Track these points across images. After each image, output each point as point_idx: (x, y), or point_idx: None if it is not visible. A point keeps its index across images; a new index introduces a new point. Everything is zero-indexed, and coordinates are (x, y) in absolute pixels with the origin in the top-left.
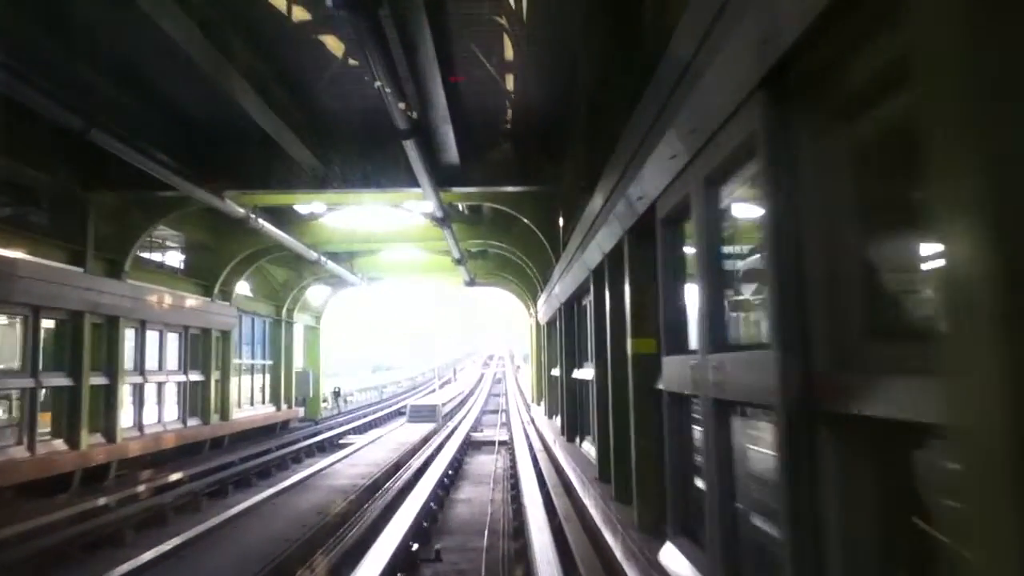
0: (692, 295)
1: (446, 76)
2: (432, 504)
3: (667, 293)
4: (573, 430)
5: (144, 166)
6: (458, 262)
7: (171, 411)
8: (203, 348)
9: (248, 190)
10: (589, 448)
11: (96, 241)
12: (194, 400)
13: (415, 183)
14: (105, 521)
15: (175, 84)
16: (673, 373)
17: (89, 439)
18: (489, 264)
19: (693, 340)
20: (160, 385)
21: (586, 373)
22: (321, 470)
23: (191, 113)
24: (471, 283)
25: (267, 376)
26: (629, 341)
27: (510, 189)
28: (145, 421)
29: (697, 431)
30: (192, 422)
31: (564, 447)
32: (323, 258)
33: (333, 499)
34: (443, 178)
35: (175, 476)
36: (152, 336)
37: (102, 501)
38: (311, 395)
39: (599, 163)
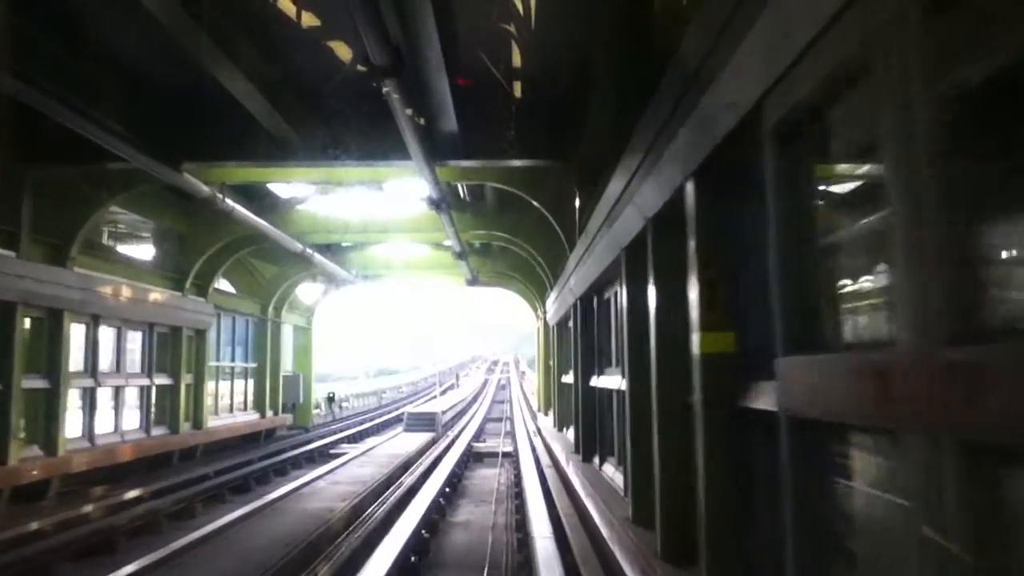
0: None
1: (441, 17)
2: (423, 532)
3: (783, 255)
4: (590, 448)
5: (86, 131)
6: (459, 256)
7: (132, 419)
8: (172, 348)
9: (211, 162)
10: (613, 473)
11: (34, 222)
12: (161, 407)
13: (405, 155)
14: (28, 553)
15: (127, 41)
16: (812, 383)
17: (21, 452)
18: (493, 261)
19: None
20: (118, 390)
21: (610, 381)
22: (299, 488)
23: (146, 75)
24: (473, 282)
25: (250, 380)
26: (696, 337)
27: (518, 164)
28: (98, 431)
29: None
30: (157, 431)
31: (579, 468)
32: (309, 250)
33: (305, 527)
34: (439, 149)
35: (132, 493)
36: (108, 333)
37: (34, 526)
38: (301, 401)
39: (631, 117)
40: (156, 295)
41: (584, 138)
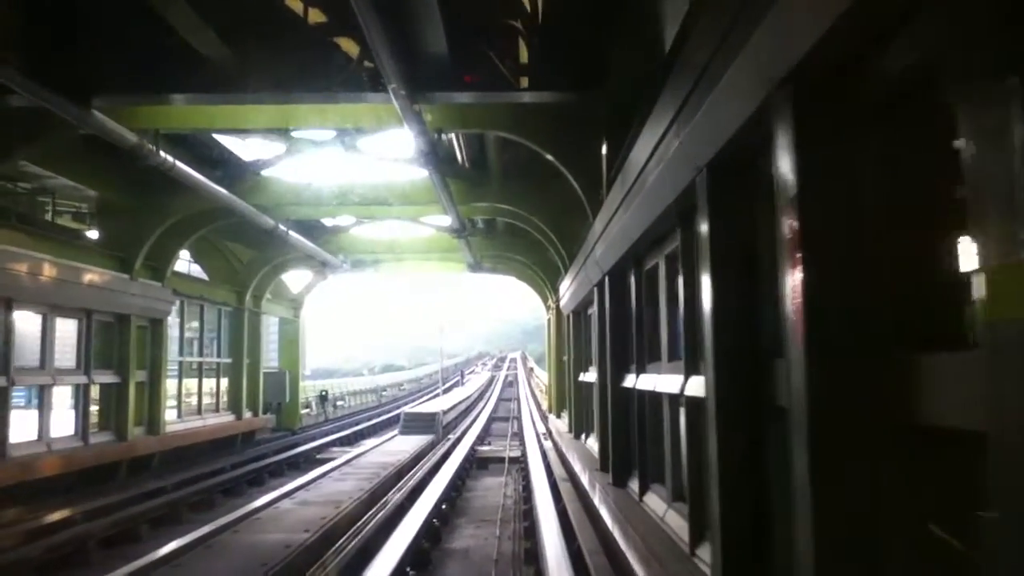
0: None
1: None
2: (408, 571)
3: None
4: (624, 468)
5: None
6: (457, 234)
7: (63, 424)
8: (119, 340)
9: (131, 96)
10: (664, 511)
11: None
12: (104, 409)
13: (378, 84)
14: None
15: None
16: None
17: None
18: (497, 242)
19: None
20: (42, 389)
21: (661, 381)
22: (256, 512)
23: None
24: (476, 267)
25: (223, 378)
26: None
27: (529, 100)
28: (13, 439)
29: None
30: (99, 438)
31: (609, 494)
32: (282, 227)
33: (253, 572)
34: (423, 76)
35: (54, 516)
36: (28, 321)
37: None
38: (287, 400)
39: None
40: (93, 276)
41: (618, 63)
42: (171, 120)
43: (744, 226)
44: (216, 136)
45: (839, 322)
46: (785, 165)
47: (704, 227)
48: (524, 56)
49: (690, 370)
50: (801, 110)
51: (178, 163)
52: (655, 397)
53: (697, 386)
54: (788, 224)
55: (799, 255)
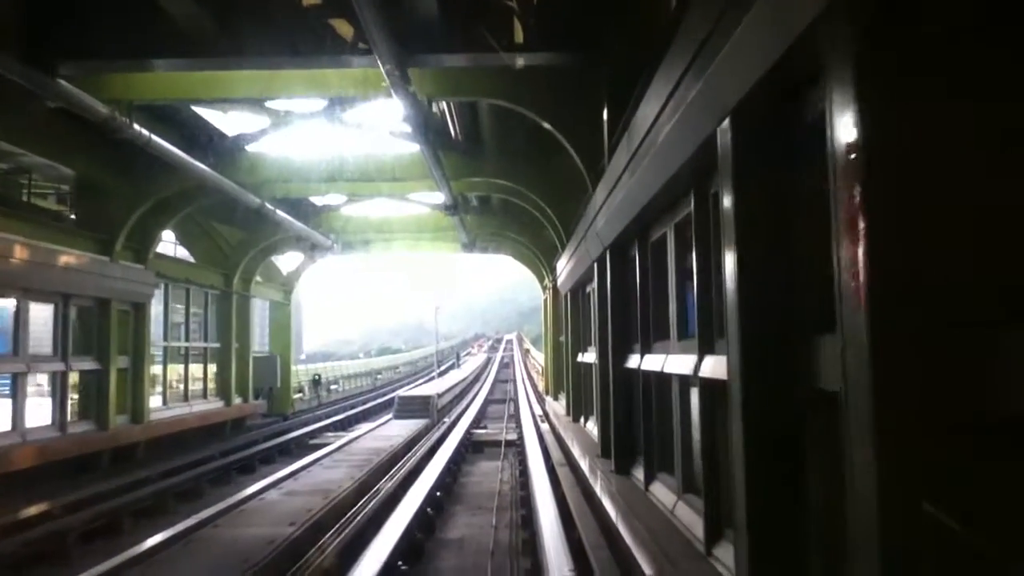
0: None
1: None
2: (400, 564)
3: None
4: (626, 455)
5: None
6: (450, 211)
7: (40, 414)
8: (99, 326)
9: (100, 61)
10: (672, 502)
11: None
12: (84, 397)
13: (365, 47)
14: None
15: None
16: None
17: None
18: (492, 221)
19: None
20: (16, 377)
21: (670, 362)
22: (240, 504)
23: None
24: (470, 247)
25: (212, 363)
26: None
27: (524, 62)
28: None
29: None
30: (79, 428)
31: (611, 482)
32: (268, 205)
33: (232, 571)
34: (412, 39)
35: (30, 511)
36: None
37: None
38: (279, 385)
39: None
40: (70, 259)
41: (621, 18)
42: (145, 90)
43: (777, 184)
44: (197, 110)
45: (920, 295)
46: (842, 108)
47: (727, 187)
48: (519, 27)
49: (705, 349)
50: (866, 36)
51: (155, 137)
52: (663, 379)
53: (715, 367)
54: (845, 180)
55: (863, 217)
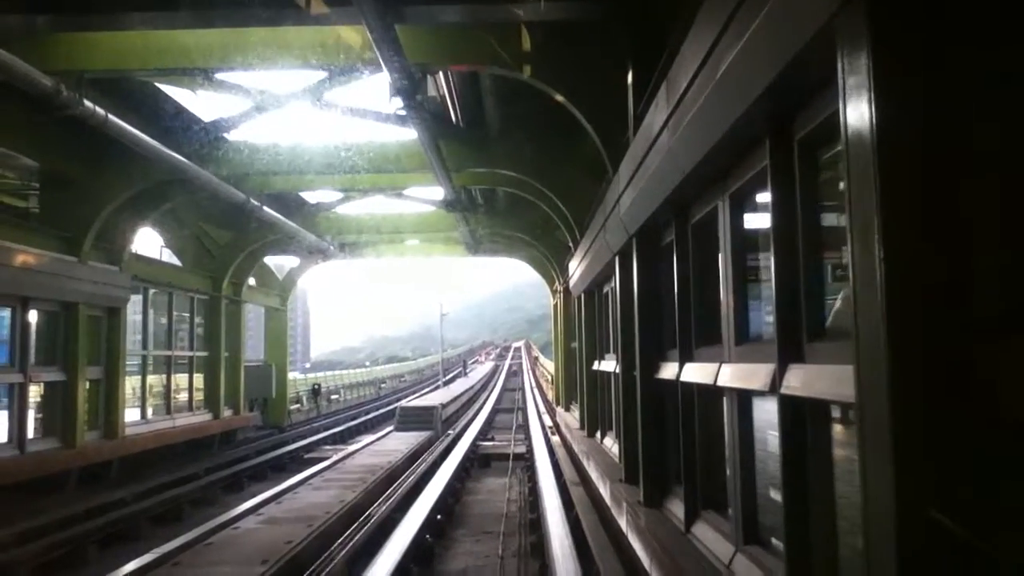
0: None
1: None
2: None
3: None
4: (657, 485)
5: None
6: (452, 206)
7: None
8: (65, 332)
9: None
10: (728, 553)
11: None
12: (48, 412)
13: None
14: None
15: None
16: None
17: None
18: (497, 220)
19: None
20: None
21: (726, 373)
22: (210, 534)
23: None
24: (475, 249)
25: (198, 373)
26: None
27: (531, 17)
28: None
29: None
30: (40, 445)
31: (638, 517)
32: (254, 201)
33: None
34: None
35: None
36: None
37: None
38: (274, 396)
39: None
40: (28, 257)
41: None
42: (95, 59)
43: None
44: (167, 91)
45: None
46: None
47: (859, 104)
48: None
49: (788, 356)
50: None
51: (112, 116)
52: (712, 393)
53: (812, 380)
54: None
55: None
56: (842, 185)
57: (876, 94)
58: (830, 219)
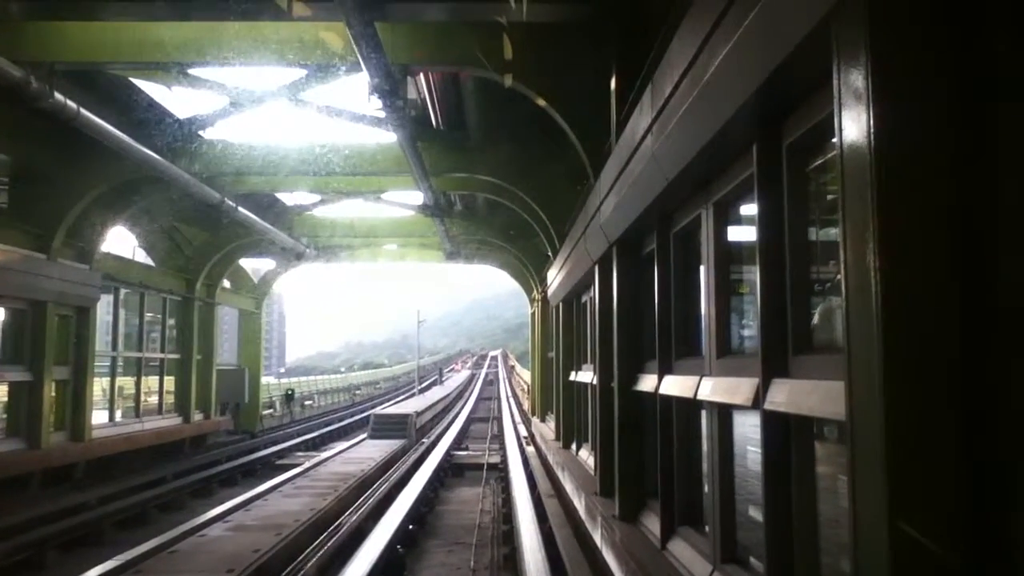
0: None
1: None
2: None
3: None
4: (635, 499)
5: None
6: (431, 211)
7: None
8: (33, 331)
9: None
10: (705, 572)
11: None
12: (13, 412)
13: None
14: None
15: None
16: None
17: None
18: (477, 226)
19: None
20: None
21: (707, 386)
22: (173, 543)
23: None
24: (454, 255)
25: (169, 375)
26: None
27: (516, 18)
28: None
29: None
30: (3, 446)
31: (612, 527)
32: (229, 201)
33: None
34: None
35: None
36: None
37: None
38: (247, 400)
39: None
40: None
41: None
42: (67, 50)
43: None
44: (141, 85)
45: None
46: None
47: (856, 111)
48: None
49: (772, 371)
50: None
51: (84, 110)
52: (692, 407)
53: (796, 396)
54: None
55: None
56: (833, 191)
57: (874, 97)
58: (819, 227)
